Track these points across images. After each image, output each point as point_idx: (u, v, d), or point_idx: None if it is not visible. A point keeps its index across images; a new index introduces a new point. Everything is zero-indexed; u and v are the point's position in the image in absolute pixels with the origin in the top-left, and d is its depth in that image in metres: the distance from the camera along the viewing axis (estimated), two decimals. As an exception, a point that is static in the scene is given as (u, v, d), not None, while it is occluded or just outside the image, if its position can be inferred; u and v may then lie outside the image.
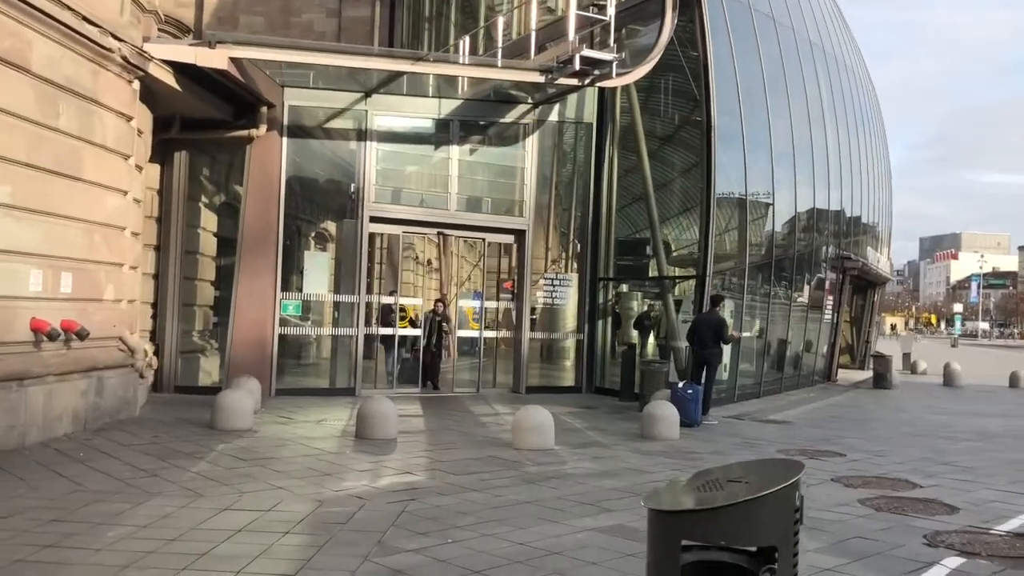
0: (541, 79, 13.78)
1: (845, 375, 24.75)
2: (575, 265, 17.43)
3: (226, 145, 14.32)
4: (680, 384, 12.81)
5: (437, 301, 15.79)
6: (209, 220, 15.16)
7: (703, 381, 13.43)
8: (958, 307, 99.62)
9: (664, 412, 11.28)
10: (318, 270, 14.80)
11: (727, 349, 14.55)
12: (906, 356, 30.27)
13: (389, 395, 14.60)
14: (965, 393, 21.31)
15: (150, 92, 12.18)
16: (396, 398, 12.27)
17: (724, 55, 15.59)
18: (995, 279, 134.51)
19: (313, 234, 15.68)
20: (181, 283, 14.31)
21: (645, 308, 17.67)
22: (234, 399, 10.61)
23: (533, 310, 16.72)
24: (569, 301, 16.99)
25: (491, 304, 16.43)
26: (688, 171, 18.32)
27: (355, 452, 9.41)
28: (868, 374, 27.30)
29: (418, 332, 15.78)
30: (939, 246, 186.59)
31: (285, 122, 14.33)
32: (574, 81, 13.93)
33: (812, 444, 11.26)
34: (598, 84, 14.17)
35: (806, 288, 21.18)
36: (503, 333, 16.50)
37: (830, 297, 22.68)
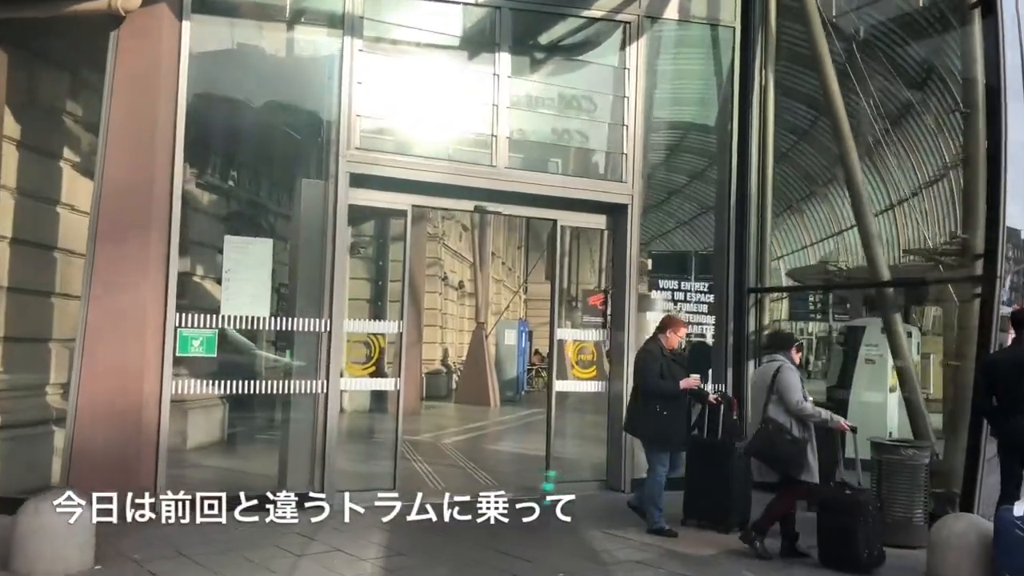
0: None
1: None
2: (703, 269, 10.47)
3: (80, 36, 7.68)
4: (1017, 509, 5.80)
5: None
6: (74, 188, 8.56)
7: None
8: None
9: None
10: (250, 273, 7.81)
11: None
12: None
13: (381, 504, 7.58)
14: None
15: None
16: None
17: None
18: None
19: (241, 207, 8.70)
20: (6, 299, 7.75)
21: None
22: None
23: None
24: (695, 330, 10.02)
25: (566, 334, 9.58)
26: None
27: None
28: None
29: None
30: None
31: (186, -7, 7.63)
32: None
33: None
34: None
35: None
36: (587, 385, 9.60)
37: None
